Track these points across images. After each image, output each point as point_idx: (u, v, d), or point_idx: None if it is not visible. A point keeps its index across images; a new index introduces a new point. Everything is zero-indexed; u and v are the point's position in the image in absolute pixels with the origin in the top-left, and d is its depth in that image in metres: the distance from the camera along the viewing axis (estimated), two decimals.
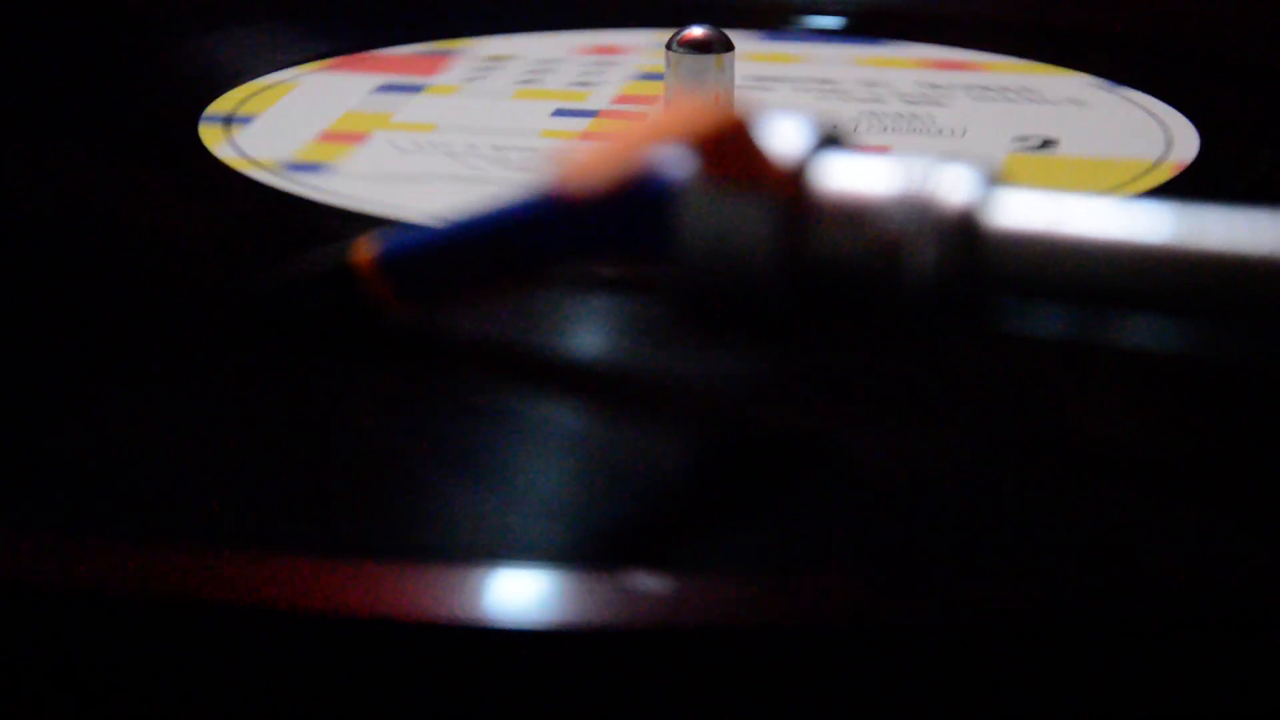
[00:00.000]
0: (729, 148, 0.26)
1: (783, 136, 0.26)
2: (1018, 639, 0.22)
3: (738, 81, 0.39)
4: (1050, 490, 0.25)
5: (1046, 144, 0.38)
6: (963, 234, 0.25)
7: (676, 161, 0.26)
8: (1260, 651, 0.22)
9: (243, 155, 0.36)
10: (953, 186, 0.25)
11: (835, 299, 0.26)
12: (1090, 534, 0.24)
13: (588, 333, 0.30)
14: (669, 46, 0.38)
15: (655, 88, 0.41)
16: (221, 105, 0.39)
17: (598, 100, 0.40)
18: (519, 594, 0.22)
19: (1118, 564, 0.23)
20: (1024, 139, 0.38)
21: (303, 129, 0.38)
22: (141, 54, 0.45)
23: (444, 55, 0.44)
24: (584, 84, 0.42)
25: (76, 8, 0.48)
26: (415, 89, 0.41)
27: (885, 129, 0.39)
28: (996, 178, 0.26)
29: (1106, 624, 0.22)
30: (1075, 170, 0.36)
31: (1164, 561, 0.24)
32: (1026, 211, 0.25)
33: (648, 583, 0.22)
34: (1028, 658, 0.22)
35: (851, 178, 0.26)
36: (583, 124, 0.39)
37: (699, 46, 0.38)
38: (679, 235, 0.26)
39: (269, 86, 0.41)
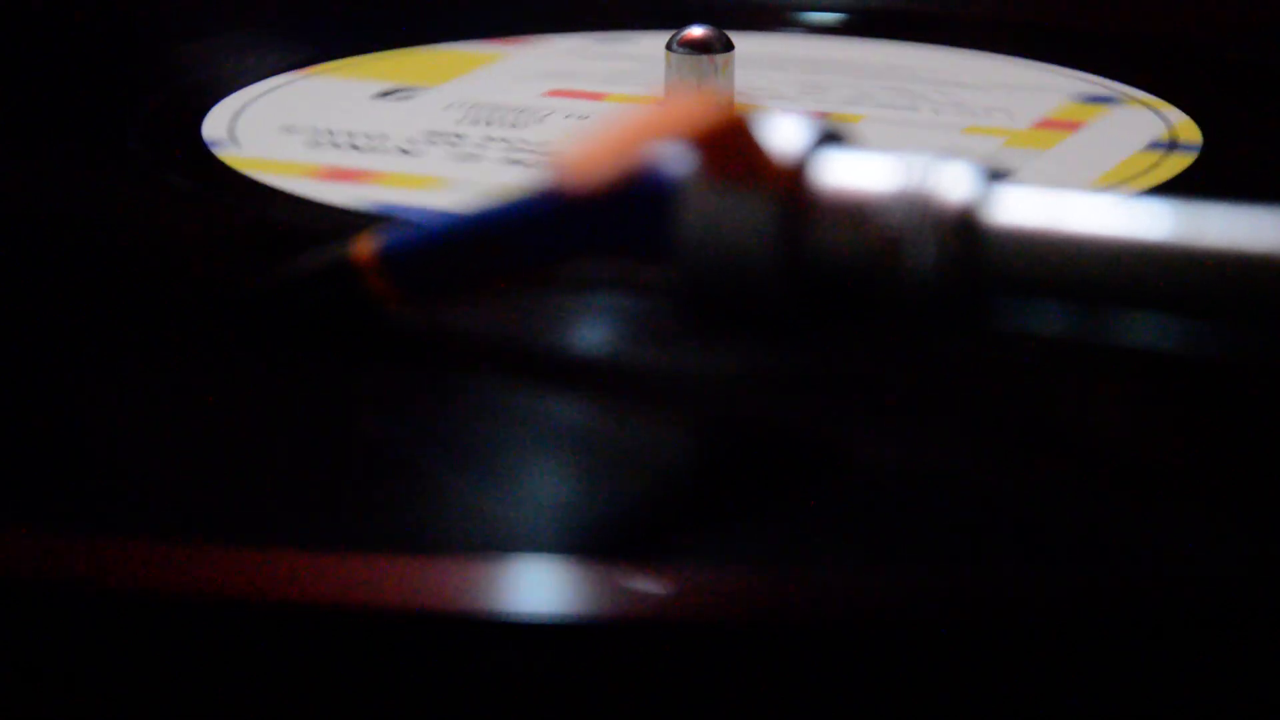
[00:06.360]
0: (729, 145, 0.26)
1: (782, 134, 0.26)
2: (1018, 639, 0.22)
3: None
4: (1050, 490, 0.25)
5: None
6: (962, 231, 0.25)
7: (676, 159, 0.26)
8: (1259, 652, 0.22)
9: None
10: (952, 184, 0.25)
11: (835, 296, 0.26)
12: (1090, 534, 0.24)
13: (588, 330, 0.30)
14: (669, 47, 0.38)
15: None
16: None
17: None
18: (518, 587, 0.22)
19: (1117, 564, 0.23)
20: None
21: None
22: (143, 57, 0.45)
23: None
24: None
25: (79, 12, 0.48)
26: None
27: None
28: (995, 175, 0.26)
29: (1106, 624, 0.22)
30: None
31: (1164, 561, 0.24)
32: (1026, 209, 0.25)
33: (647, 577, 0.22)
34: (1028, 658, 0.22)
35: (851, 175, 0.26)
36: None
37: (699, 46, 0.38)
38: (679, 232, 0.26)
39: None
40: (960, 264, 0.25)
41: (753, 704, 0.22)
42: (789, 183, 0.26)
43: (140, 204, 0.35)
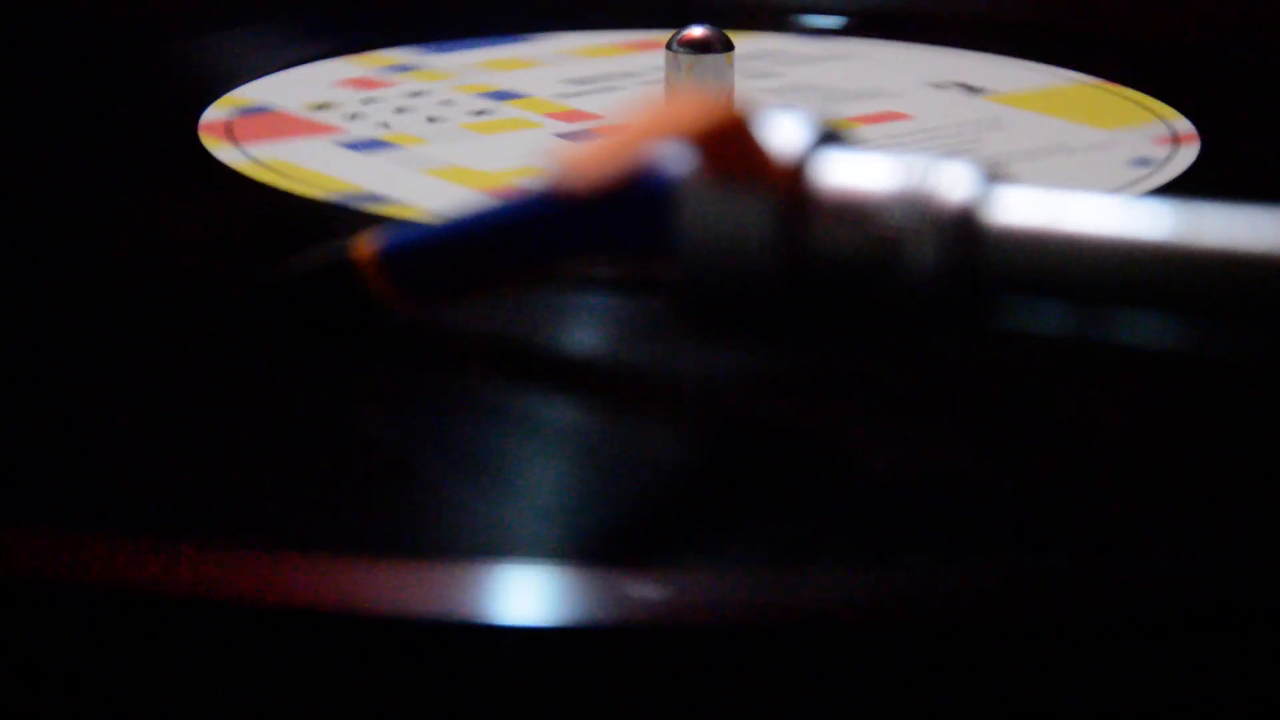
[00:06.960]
0: (729, 144, 0.26)
1: (782, 133, 0.26)
2: (1018, 639, 0.22)
3: None
4: (1050, 490, 0.25)
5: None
6: (962, 231, 0.25)
7: (676, 158, 0.26)
8: (1259, 652, 0.22)
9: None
10: (952, 184, 0.25)
11: (834, 296, 0.26)
12: (1090, 534, 0.24)
13: (588, 330, 0.30)
14: (669, 46, 0.39)
15: None
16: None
17: None
18: (516, 591, 0.22)
19: (1117, 564, 0.23)
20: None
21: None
22: (141, 56, 0.45)
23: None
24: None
25: (76, 11, 0.48)
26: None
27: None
28: (996, 175, 0.26)
29: (1106, 623, 0.22)
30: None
31: (1163, 561, 0.24)
32: (1026, 209, 0.25)
33: (645, 580, 0.22)
34: (1028, 657, 0.22)
35: (851, 174, 0.26)
36: None
37: (699, 46, 0.38)
38: (678, 232, 0.26)
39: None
40: (960, 264, 0.25)
41: (753, 706, 0.22)
42: (789, 182, 0.26)
43: (140, 204, 0.35)
